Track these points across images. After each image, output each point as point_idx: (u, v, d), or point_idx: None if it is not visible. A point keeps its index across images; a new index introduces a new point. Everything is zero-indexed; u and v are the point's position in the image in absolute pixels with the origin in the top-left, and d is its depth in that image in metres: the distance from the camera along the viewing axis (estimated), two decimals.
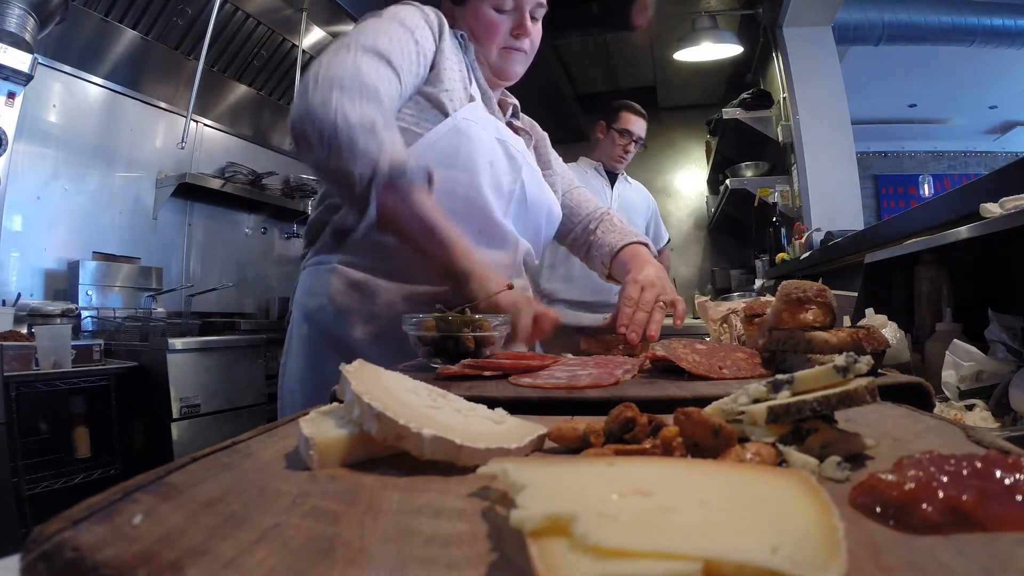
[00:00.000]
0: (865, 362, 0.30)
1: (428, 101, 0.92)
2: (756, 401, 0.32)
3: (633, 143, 2.48)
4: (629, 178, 2.65)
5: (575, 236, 1.22)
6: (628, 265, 1.07)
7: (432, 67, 0.94)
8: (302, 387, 0.92)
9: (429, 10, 0.97)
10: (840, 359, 0.30)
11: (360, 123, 0.75)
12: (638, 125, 2.48)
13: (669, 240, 2.83)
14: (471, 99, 0.96)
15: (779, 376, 0.32)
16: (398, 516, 0.23)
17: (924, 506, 0.21)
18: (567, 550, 0.18)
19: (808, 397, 0.29)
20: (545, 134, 1.25)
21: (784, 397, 0.31)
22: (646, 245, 1.14)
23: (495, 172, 0.95)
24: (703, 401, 0.35)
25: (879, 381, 0.38)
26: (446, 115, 0.91)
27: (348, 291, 0.91)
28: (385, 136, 0.76)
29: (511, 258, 0.99)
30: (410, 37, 0.89)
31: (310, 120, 0.77)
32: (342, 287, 0.91)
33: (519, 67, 1.06)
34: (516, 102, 1.18)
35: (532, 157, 1.10)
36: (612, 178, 2.57)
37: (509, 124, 1.12)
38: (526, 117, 1.20)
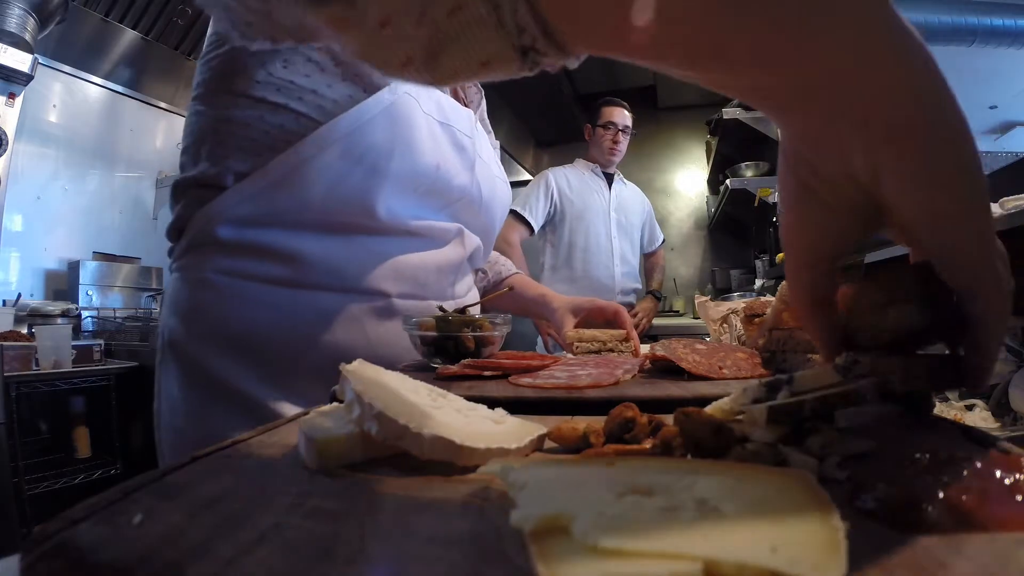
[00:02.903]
0: (865, 362, 0.30)
1: (340, 67, 0.63)
2: (756, 401, 0.32)
3: (620, 132, 2.49)
4: (626, 180, 2.66)
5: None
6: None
7: None
8: (181, 440, 0.65)
9: None
10: (840, 359, 0.30)
11: None
12: (618, 115, 2.48)
13: (664, 241, 2.86)
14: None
15: (779, 376, 0.32)
16: (398, 516, 0.23)
17: (924, 506, 0.21)
18: (567, 550, 0.17)
19: (808, 397, 0.29)
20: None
21: (784, 397, 0.31)
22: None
23: (443, 175, 0.72)
24: (703, 401, 0.35)
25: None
26: (368, 90, 0.64)
27: (228, 308, 0.64)
28: None
29: (457, 255, 0.79)
30: None
31: None
32: (218, 303, 0.64)
33: None
34: None
35: (481, 134, 0.84)
36: (609, 180, 2.58)
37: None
38: None
